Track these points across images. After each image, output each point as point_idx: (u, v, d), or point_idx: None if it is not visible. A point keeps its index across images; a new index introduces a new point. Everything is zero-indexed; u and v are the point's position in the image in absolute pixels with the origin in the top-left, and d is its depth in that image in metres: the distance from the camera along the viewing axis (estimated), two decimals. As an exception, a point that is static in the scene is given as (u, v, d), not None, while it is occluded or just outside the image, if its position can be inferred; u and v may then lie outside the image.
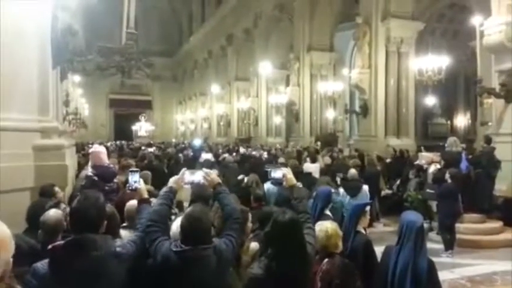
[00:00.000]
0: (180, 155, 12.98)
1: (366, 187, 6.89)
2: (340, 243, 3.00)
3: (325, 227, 2.99)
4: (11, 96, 4.46)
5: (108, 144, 23.75)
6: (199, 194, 3.66)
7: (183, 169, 2.91)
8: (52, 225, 2.92)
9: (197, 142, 10.48)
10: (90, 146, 17.53)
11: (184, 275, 2.34)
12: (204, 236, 2.41)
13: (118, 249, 2.33)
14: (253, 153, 13.46)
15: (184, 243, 2.37)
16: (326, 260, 2.84)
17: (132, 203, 3.40)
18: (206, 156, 10.20)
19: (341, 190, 6.66)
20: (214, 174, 2.93)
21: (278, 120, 24.44)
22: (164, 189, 2.79)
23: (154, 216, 2.54)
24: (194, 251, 2.34)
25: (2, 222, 1.60)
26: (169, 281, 2.38)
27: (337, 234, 2.99)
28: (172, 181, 2.82)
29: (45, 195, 3.85)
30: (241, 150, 14.72)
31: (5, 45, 4.38)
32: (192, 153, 8.56)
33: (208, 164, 8.96)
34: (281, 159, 9.93)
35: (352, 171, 7.47)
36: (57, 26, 5.13)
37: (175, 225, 2.66)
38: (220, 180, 2.91)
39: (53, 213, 2.98)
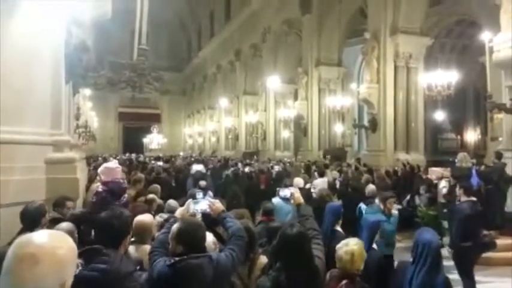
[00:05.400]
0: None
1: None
2: (362, 265, 2.87)
3: (351, 249, 2.83)
4: (24, 110, 4.52)
5: (118, 157, 23.89)
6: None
7: (188, 200, 3.03)
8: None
9: (198, 168, 10.02)
10: (100, 159, 17.62)
11: (180, 286, 2.33)
12: (196, 242, 2.43)
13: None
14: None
15: (177, 253, 2.39)
16: (345, 281, 2.76)
17: (140, 218, 3.43)
18: (197, 167, 10.00)
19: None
20: (218, 202, 3.02)
21: (286, 134, 24.45)
22: (170, 220, 2.93)
23: (156, 244, 2.67)
24: (187, 260, 2.33)
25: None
26: None
27: (361, 257, 2.85)
28: (178, 213, 2.99)
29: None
30: (246, 169, 14.44)
31: (20, 61, 4.45)
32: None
33: (199, 176, 8.84)
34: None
35: (371, 187, 7.34)
36: (71, 42, 5.23)
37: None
38: (224, 208, 2.99)
39: (65, 226, 3.00)
